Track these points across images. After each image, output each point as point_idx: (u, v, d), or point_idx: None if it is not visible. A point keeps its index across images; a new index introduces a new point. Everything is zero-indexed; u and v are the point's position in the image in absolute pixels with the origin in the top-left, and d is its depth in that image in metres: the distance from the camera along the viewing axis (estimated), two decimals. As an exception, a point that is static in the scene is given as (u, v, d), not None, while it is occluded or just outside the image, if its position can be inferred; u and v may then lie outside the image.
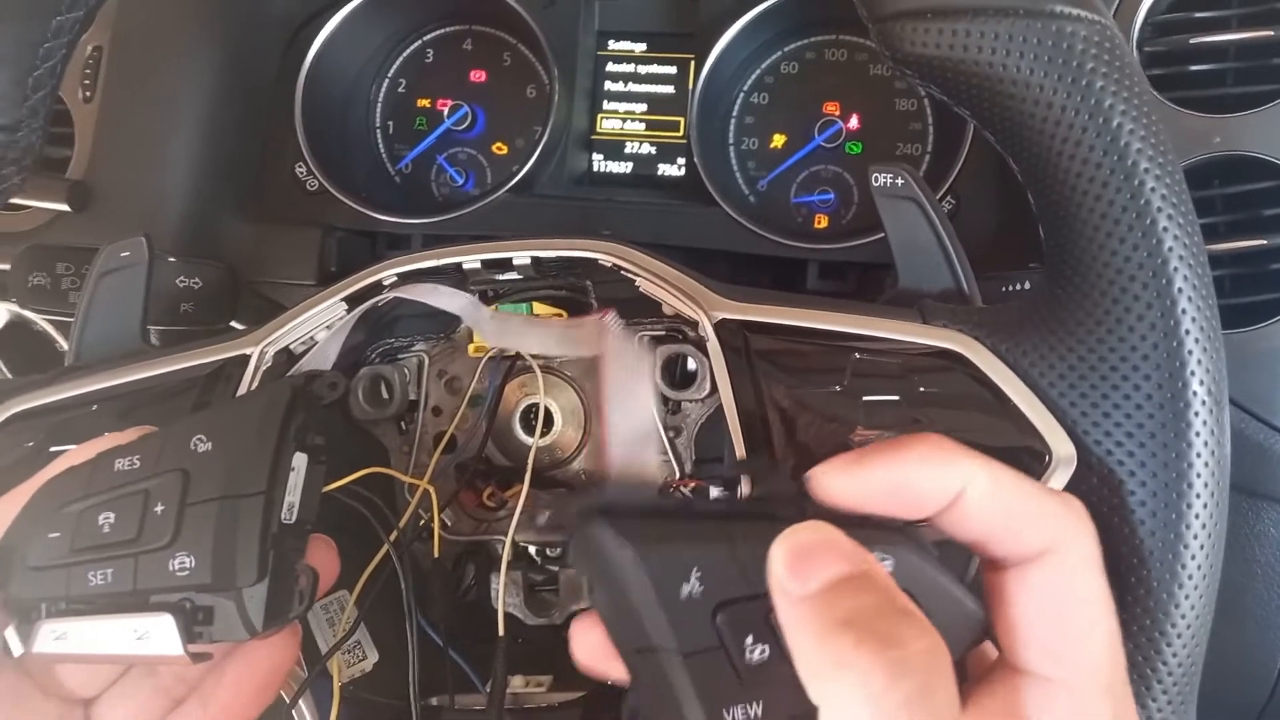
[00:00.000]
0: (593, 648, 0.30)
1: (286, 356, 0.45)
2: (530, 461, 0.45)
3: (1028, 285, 0.47)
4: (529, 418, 0.50)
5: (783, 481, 0.33)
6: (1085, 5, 0.33)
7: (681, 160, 0.75)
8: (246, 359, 0.43)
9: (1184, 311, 0.31)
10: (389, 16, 0.75)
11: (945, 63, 0.34)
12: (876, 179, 0.42)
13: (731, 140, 0.74)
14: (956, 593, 0.28)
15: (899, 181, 0.40)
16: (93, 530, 0.33)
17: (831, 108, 0.72)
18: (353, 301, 0.45)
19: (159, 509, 0.33)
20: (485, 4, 0.72)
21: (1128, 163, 0.31)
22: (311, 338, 0.45)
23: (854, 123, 0.71)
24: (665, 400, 0.48)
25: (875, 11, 0.35)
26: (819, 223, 0.72)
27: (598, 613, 0.29)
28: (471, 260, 0.46)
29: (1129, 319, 0.32)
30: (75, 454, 0.36)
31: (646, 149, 0.76)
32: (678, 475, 0.47)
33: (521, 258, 0.46)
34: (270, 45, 0.73)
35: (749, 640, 0.27)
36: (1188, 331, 0.31)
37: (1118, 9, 0.51)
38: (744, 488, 0.38)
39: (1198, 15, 0.51)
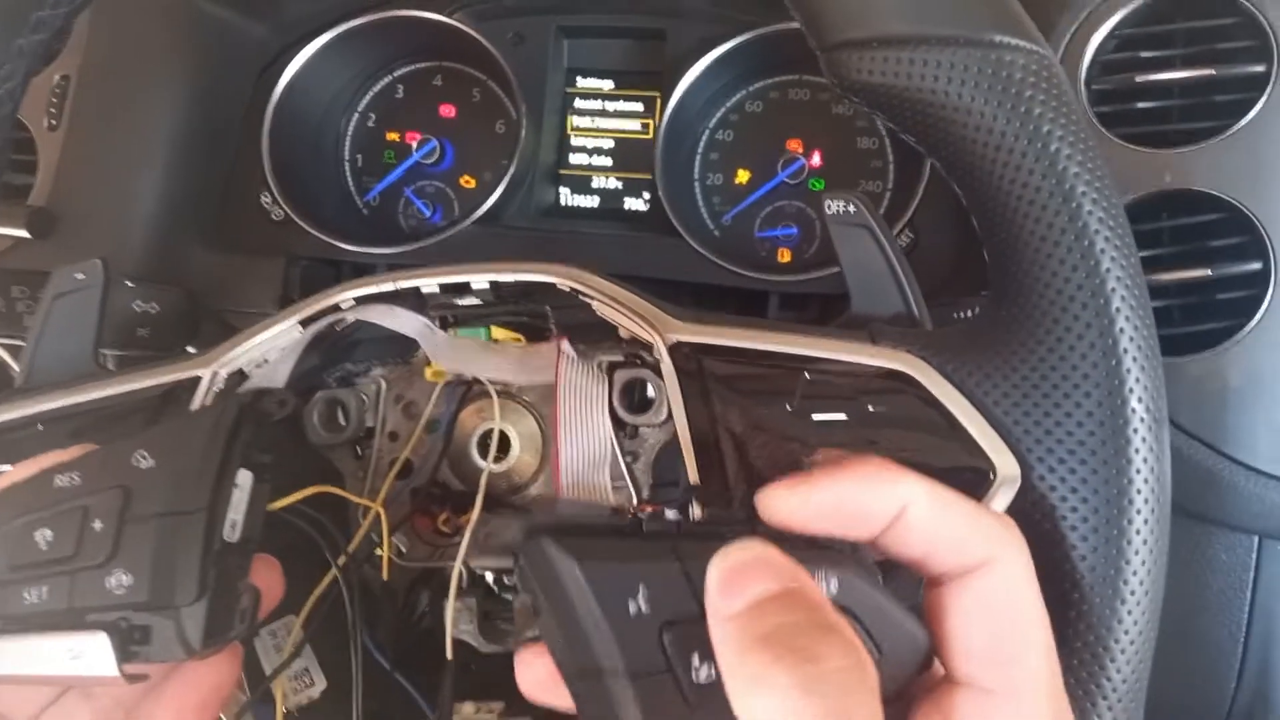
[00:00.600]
0: (538, 678, 0.30)
1: (240, 379, 0.44)
2: (483, 486, 0.44)
3: (978, 310, 0.47)
4: (486, 443, 0.50)
5: (731, 504, 0.32)
6: (1023, 35, 0.34)
7: (647, 195, 0.75)
8: (198, 380, 0.43)
9: (1122, 331, 0.32)
10: (359, 52, 0.76)
11: (890, 90, 0.34)
12: (830, 206, 0.42)
13: (697, 175, 0.75)
14: (901, 617, 0.28)
15: (851, 209, 0.41)
16: (29, 547, 0.33)
17: (795, 145, 0.73)
18: (309, 324, 0.45)
19: (97, 525, 0.32)
20: (455, 41, 0.73)
21: (1065, 186, 0.32)
22: (265, 359, 0.45)
23: (816, 160, 0.72)
24: (623, 425, 0.48)
25: (822, 41, 0.36)
26: (782, 256, 0.73)
27: (543, 634, 0.28)
28: (429, 284, 0.46)
29: (1069, 338, 0.32)
30: (16, 471, 0.36)
31: (613, 183, 0.77)
32: (634, 500, 0.47)
33: (479, 282, 0.46)
34: (240, 77, 0.74)
35: (695, 660, 0.26)
36: (1125, 350, 0.32)
37: (1066, 48, 0.53)
38: (695, 511, 0.38)
39: (1143, 55, 0.52)
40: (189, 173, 0.70)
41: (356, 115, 0.80)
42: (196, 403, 0.42)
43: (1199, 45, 0.51)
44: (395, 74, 0.79)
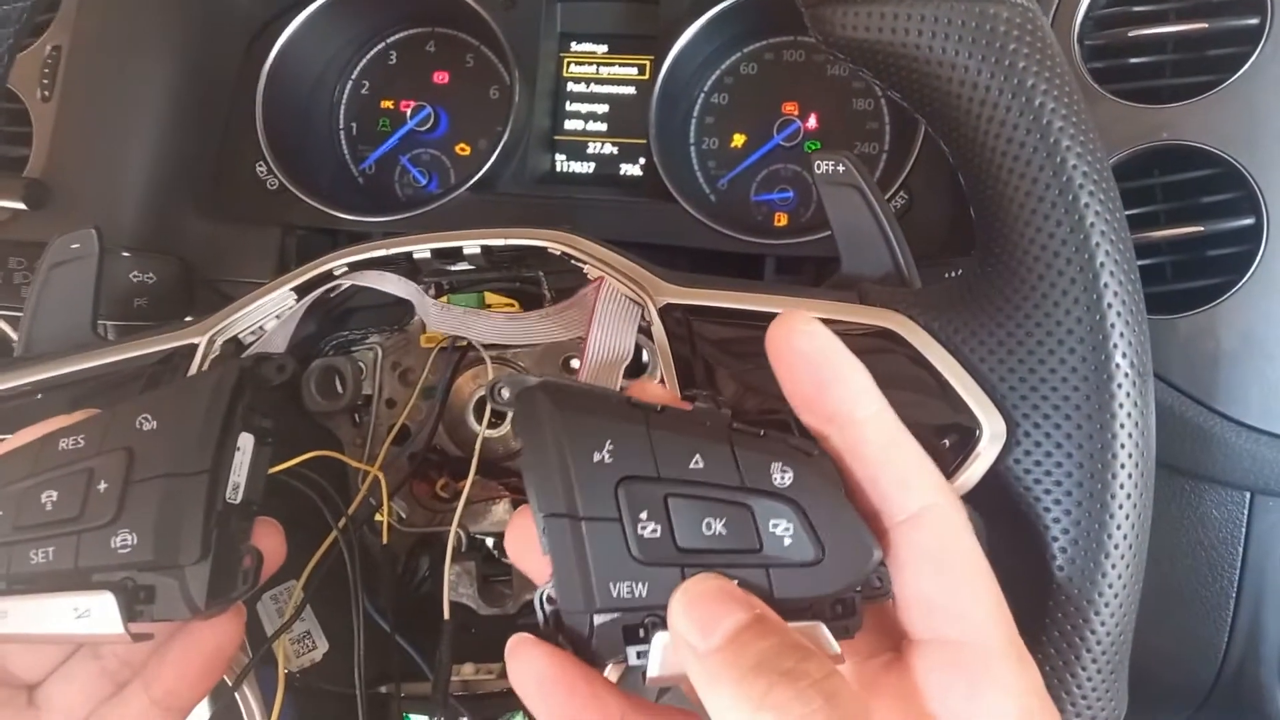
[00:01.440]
0: (519, 537, 0.33)
1: (235, 346, 0.45)
2: (477, 451, 0.45)
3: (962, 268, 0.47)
4: (482, 408, 0.50)
5: (719, 404, 0.34)
6: (1007, -12, 0.33)
7: (643, 160, 0.75)
8: (194, 348, 0.43)
9: (1106, 285, 0.32)
10: (352, 18, 0.75)
11: (875, 45, 0.34)
12: (819, 166, 0.42)
13: (692, 140, 0.75)
14: (854, 523, 0.29)
15: (840, 168, 0.41)
16: (35, 509, 0.33)
17: (790, 108, 0.73)
18: (302, 291, 0.45)
19: (102, 487, 0.33)
20: (447, 6, 0.73)
21: (1050, 140, 0.32)
22: (261, 327, 0.46)
23: (812, 122, 0.72)
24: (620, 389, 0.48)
25: (808, -4, 0.36)
26: (779, 220, 0.73)
27: (525, 477, 0.31)
28: (421, 250, 0.46)
29: (1054, 294, 0.33)
30: (22, 435, 0.36)
31: (609, 149, 0.76)
32: None
33: (471, 247, 0.46)
34: (232, 45, 0.73)
35: (644, 515, 0.29)
36: (1110, 305, 0.32)
37: (1060, 2, 0.53)
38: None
39: (1136, 9, 0.52)
40: (182, 143, 0.70)
41: (350, 83, 0.79)
42: (194, 370, 0.42)
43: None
44: (388, 40, 0.79)
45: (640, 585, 0.28)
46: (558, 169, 0.77)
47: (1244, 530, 0.50)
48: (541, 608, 0.31)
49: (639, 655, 0.29)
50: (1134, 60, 0.51)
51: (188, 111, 0.70)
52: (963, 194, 0.61)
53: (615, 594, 0.28)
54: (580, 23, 0.76)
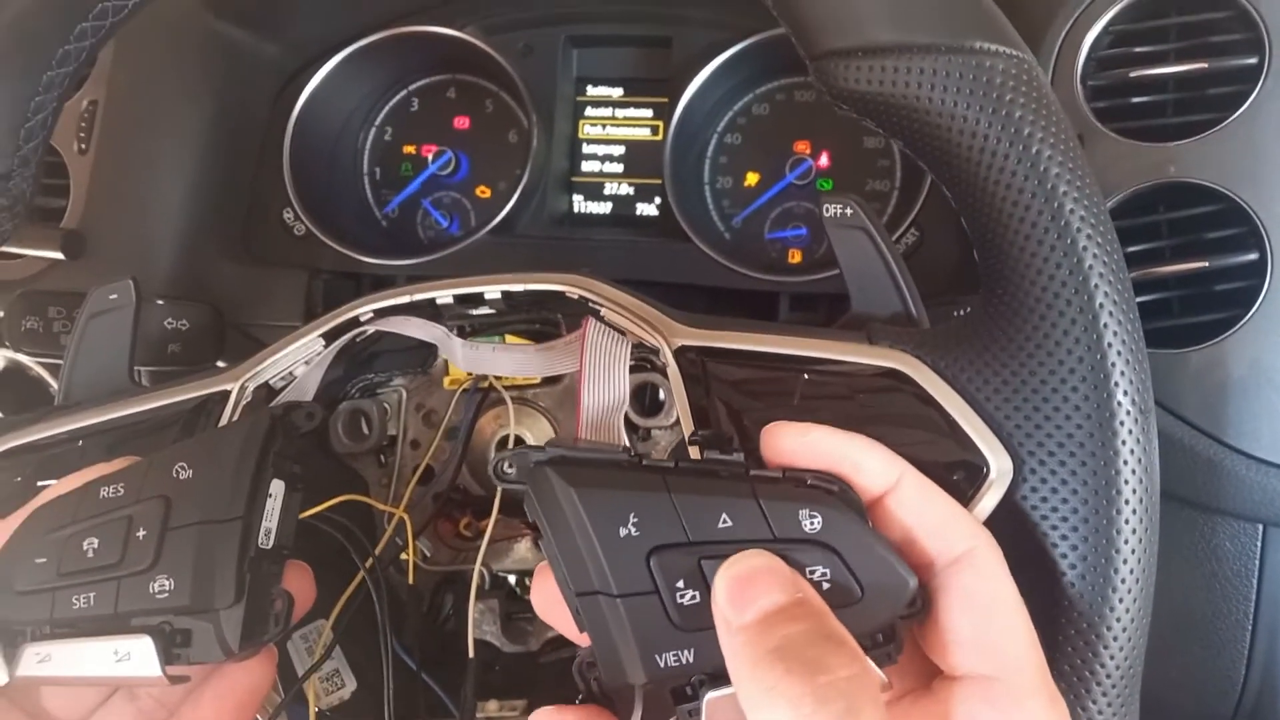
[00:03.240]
0: (546, 597, 0.32)
1: (266, 392, 0.46)
2: (499, 490, 0.46)
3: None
4: (504, 448, 0.52)
5: (728, 445, 0.34)
6: (1004, 40, 0.35)
7: (659, 200, 0.77)
8: (227, 394, 0.45)
9: (1106, 325, 0.33)
10: (374, 68, 0.78)
11: (877, 97, 0.36)
12: (828, 209, 0.44)
13: (707, 179, 0.76)
14: (886, 556, 0.29)
15: (848, 211, 0.42)
16: (77, 555, 0.35)
17: (802, 146, 0.74)
18: (330, 337, 0.47)
19: (141, 534, 0.34)
20: (467, 54, 0.75)
21: (1048, 186, 0.33)
22: (290, 373, 0.47)
23: (824, 160, 0.74)
24: (635, 428, 0.49)
25: (810, 50, 0.37)
26: (793, 257, 0.75)
27: (547, 557, 0.31)
28: (444, 295, 0.48)
29: (1056, 334, 0.33)
30: (65, 483, 0.38)
31: (625, 189, 0.78)
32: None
33: (492, 292, 0.48)
34: (260, 96, 0.76)
35: (680, 584, 0.29)
36: (1110, 344, 0.33)
37: (1061, 45, 0.54)
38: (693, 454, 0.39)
39: (1137, 50, 0.53)
40: (213, 192, 0.72)
41: (374, 129, 0.82)
42: (226, 416, 0.44)
43: (1192, 39, 0.52)
44: (410, 88, 0.81)
45: (686, 652, 0.28)
46: (575, 210, 0.79)
47: (1258, 562, 0.50)
48: (582, 675, 0.31)
49: (690, 714, 0.28)
50: (1136, 99, 0.52)
51: (218, 161, 0.72)
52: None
53: (662, 664, 0.28)
54: (596, 67, 0.78)
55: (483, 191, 0.80)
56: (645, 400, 0.49)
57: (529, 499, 0.31)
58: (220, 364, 0.64)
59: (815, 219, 0.74)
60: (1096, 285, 0.33)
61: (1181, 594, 0.51)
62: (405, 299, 0.48)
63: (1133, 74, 0.52)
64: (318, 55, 0.75)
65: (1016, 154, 0.34)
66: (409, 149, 0.81)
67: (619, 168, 0.78)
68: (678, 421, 0.47)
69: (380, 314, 0.48)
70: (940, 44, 0.34)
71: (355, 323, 0.48)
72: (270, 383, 0.47)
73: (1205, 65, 0.50)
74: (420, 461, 0.52)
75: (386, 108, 0.82)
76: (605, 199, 0.79)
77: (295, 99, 0.74)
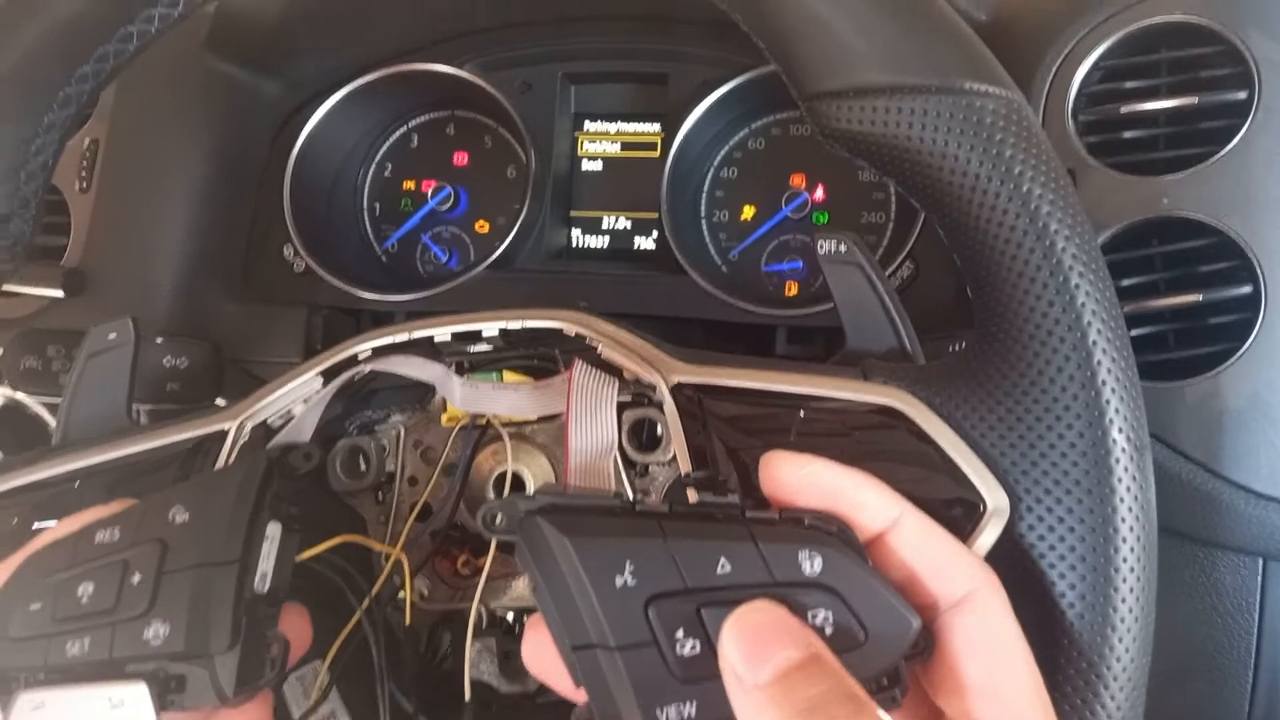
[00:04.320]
0: (539, 649, 0.31)
1: (264, 431, 0.46)
2: None
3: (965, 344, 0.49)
4: (502, 485, 0.52)
5: (723, 489, 0.34)
6: (994, 81, 0.35)
7: (655, 233, 0.77)
8: (225, 434, 0.45)
9: (1099, 363, 0.33)
10: (374, 105, 0.79)
11: (869, 137, 0.36)
12: (822, 246, 0.44)
13: (703, 213, 0.77)
14: (889, 597, 0.29)
15: (843, 248, 0.43)
16: (72, 600, 0.34)
17: (798, 180, 0.75)
18: (328, 375, 0.47)
19: (136, 579, 0.34)
20: (466, 91, 0.76)
21: (1039, 224, 0.33)
22: (289, 411, 0.47)
23: (819, 194, 0.74)
24: (632, 464, 0.49)
25: (803, 91, 0.37)
26: (789, 290, 0.75)
27: (540, 609, 0.30)
28: (442, 333, 0.48)
29: (1050, 371, 0.34)
30: (61, 527, 0.38)
31: (623, 224, 0.79)
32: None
33: (490, 330, 0.48)
34: (260, 134, 0.77)
35: (680, 634, 0.28)
36: (1105, 382, 0.33)
37: (1052, 81, 0.55)
38: (689, 496, 0.39)
39: (1127, 85, 0.53)
40: (213, 228, 0.73)
41: (373, 165, 0.83)
42: (223, 456, 0.44)
43: (1182, 74, 0.52)
44: (409, 124, 0.82)
45: (688, 705, 0.27)
46: (574, 244, 0.79)
47: (1259, 596, 0.50)
48: None
49: None
50: (1128, 134, 0.53)
51: (218, 198, 0.73)
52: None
53: (663, 718, 0.27)
54: (593, 103, 0.79)
55: (482, 226, 0.80)
56: (643, 435, 0.49)
57: (520, 550, 0.30)
58: (220, 401, 0.64)
59: (811, 252, 0.74)
60: (1089, 323, 0.33)
61: (1183, 629, 0.51)
62: (404, 337, 0.48)
63: (1124, 109, 0.53)
64: (318, 93, 0.76)
65: (1008, 193, 0.34)
66: (409, 184, 0.82)
67: (616, 202, 0.79)
68: (675, 457, 0.47)
69: (379, 352, 0.48)
70: (931, 84, 0.35)
71: (354, 361, 0.48)
72: (268, 421, 0.47)
73: (1196, 100, 0.51)
74: (418, 499, 0.52)
75: (387, 144, 0.83)
76: (603, 233, 0.79)
77: (295, 136, 0.75)
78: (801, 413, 0.38)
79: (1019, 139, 0.34)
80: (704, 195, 0.77)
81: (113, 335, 0.50)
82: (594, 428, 0.42)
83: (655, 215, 0.76)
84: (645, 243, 0.78)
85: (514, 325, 0.47)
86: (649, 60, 0.76)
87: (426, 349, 0.49)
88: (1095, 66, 0.54)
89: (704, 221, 0.77)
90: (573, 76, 0.78)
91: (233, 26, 0.71)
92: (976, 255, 0.35)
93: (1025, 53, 0.56)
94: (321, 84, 0.76)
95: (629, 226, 0.79)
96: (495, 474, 0.52)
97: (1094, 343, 0.33)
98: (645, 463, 0.49)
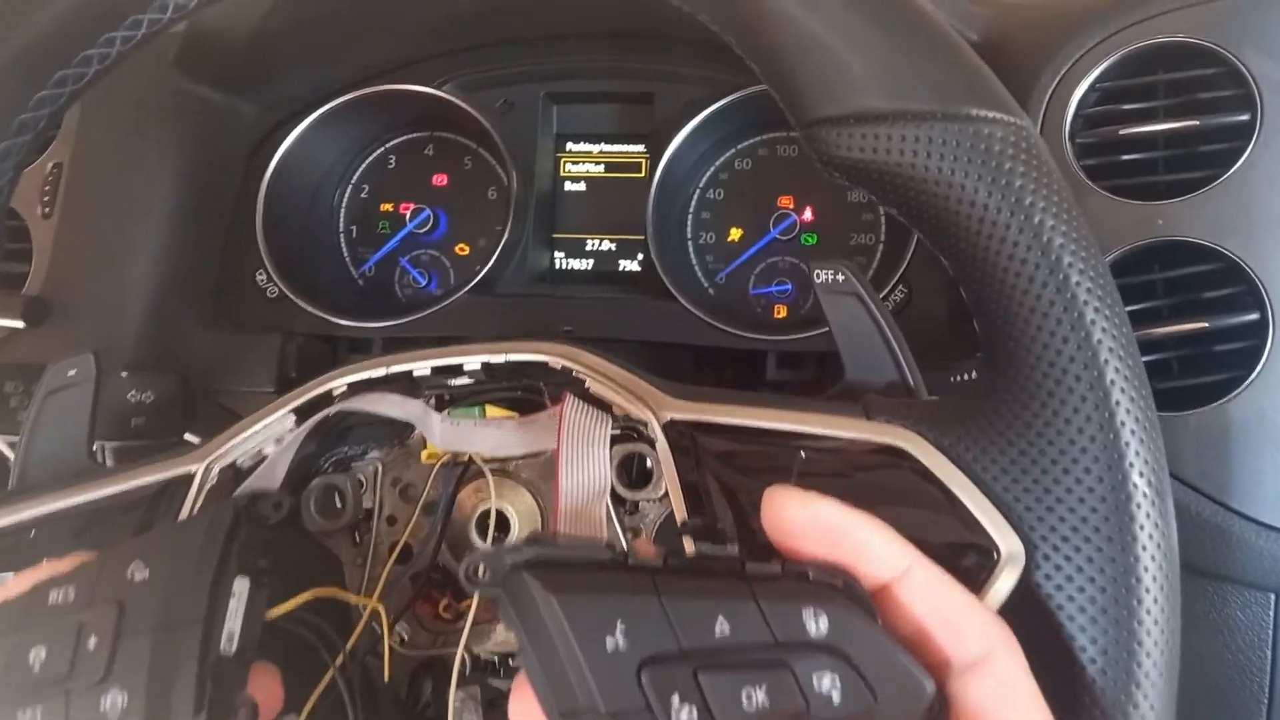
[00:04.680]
0: (527, 712, 0.29)
1: (234, 473, 0.44)
2: (481, 569, 0.44)
3: (974, 374, 0.47)
4: (485, 523, 0.49)
5: (721, 537, 0.32)
6: (1000, 107, 0.34)
7: (641, 255, 0.76)
8: (191, 477, 0.42)
9: (1118, 403, 0.31)
10: (350, 126, 0.77)
11: (870, 165, 0.34)
12: (818, 276, 0.42)
13: (689, 235, 0.75)
14: (901, 658, 0.27)
15: (840, 278, 0.41)
16: (23, 667, 0.32)
17: (786, 201, 0.73)
18: (302, 414, 0.45)
19: (92, 643, 0.32)
20: (445, 111, 0.74)
21: (1052, 257, 0.32)
22: (260, 452, 0.45)
23: (808, 215, 0.73)
24: (623, 501, 0.47)
25: (800, 117, 0.36)
26: (778, 312, 0.73)
27: (525, 669, 0.28)
28: (421, 367, 0.46)
29: (1065, 412, 0.32)
30: (12, 585, 0.35)
31: (607, 245, 0.77)
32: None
33: (471, 363, 0.46)
34: (233, 156, 0.74)
35: (675, 699, 0.26)
36: (1123, 423, 0.32)
37: (1049, 102, 0.53)
38: (686, 546, 0.37)
39: (1125, 107, 0.52)
40: (183, 254, 0.70)
41: (350, 187, 0.80)
42: (189, 503, 0.42)
43: (1181, 96, 0.51)
44: (387, 145, 0.80)
45: None
46: (557, 266, 0.78)
47: (1271, 632, 0.49)
48: None
49: None
50: (1126, 157, 0.52)
51: (188, 224, 0.70)
52: (962, 287, 0.62)
53: None
54: (576, 123, 0.77)
55: (462, 249, 0.78)
56: (632, 471, 0.47)
57: (504, 606, 0.28)
58: (188, 437, 0.62)
59: (800, 274, 0.73)
60: (1106, 360, 0.32)
61: (1195, 666, 0.49)
62: (381, 372, 0.46)
63: (1122, 131, 0.51)
64: (293, 114, 0.74)
65: (1018, 224, 0.33)
66: (386, 207, 0.80)
67: (600, 223, 0.77)
68: (667, 494, 0.45)
69: (354, 388, 0.46)
70: (935, 111, 0.33)
71: (328, 397, 0.46)
72: (238, 463, 0.44)
73: (1195, 122, 0.50)
74: (398, 539, 0.50)
75: (363, 165, 0.80)
76: (587, 255, 0.77)
77: (269, 158, 0.73)
78: (802, 453, 0.37)
79: (1029, 168, 0.33)
80: (690, 217, 0.75)
81: (73, 372, 0.47)
82: (586, 469, 0.40)
83: (640, 237, 0.75)
84: (630, 265, 0.76)
85: (497, 359, 0.45)
86: (633, 80, 0.74)
87: (405, 384, 0.47)
88: (1092, 87, 0.52)
89: (690, 243, 0.75)
90: (555, 96, 0.76)
91: (204, 45, 0.69)
92: (984, 288, 0.34)
93: (1020, 74, 0.54)
94: (297, 104, 0.74)
95: (613, 248, 0.77)
96: (478, 512, 0.50)
97: (1111, 381, 0.31)
98: (635, 500, 0.47)
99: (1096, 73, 0.52)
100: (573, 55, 0.74)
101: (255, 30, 0.68)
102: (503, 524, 0.49)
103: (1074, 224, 0.33)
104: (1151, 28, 0.51)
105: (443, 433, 0.45)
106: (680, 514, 0.39)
